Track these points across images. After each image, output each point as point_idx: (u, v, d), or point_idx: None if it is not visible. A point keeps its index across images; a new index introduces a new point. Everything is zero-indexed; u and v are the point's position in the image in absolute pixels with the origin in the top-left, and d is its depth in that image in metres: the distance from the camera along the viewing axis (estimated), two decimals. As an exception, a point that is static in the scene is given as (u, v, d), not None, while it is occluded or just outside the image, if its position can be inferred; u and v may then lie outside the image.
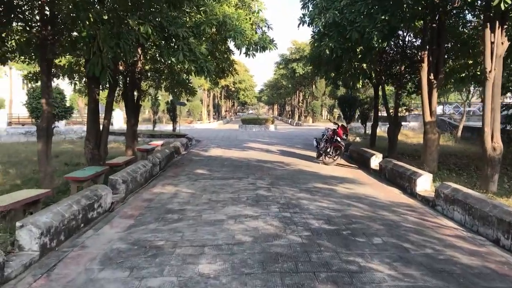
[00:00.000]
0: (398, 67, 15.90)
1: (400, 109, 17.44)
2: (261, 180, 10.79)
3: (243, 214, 7.27)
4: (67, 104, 28.85)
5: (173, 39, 10.20)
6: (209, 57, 11.11)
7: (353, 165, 14.09)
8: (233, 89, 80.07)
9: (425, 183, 9.41)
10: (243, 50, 11.81)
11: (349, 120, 26.06)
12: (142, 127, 38.92)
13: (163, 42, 10.47)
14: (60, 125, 31.56)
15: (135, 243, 5.71)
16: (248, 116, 49.56)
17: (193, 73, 15.76)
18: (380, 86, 17.23)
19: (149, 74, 17.70)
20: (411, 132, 29.78)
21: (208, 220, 6.87)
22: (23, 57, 12.55)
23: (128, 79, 14.74)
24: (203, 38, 10.98)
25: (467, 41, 14.09)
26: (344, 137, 14.10)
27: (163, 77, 17.18)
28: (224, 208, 7.73)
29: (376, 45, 11.03)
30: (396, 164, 11.07)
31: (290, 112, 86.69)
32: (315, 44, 12.28)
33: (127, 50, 8.08)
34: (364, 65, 13.61)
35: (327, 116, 61.08)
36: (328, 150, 14.19)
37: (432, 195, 8.61)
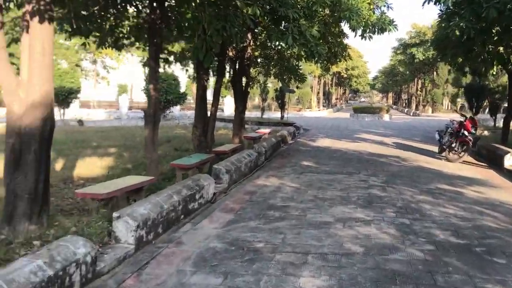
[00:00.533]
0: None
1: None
2: (374, 177, 9.86)
3: (353, 217, 6.50)
4: (182, 90, 30.09)
5: (283, 22, 9.64)
6: (321, 40, 10.37)
7: (482, 164, 12.42)
8: (345, 75, 77.96)
9: None
10: (359, 32, 10.86)
11: (476, 111, 23.49)
12: (250, 114, 39.39)
13: (272, 25, 9.96)
14: (175, 110, 33.08)
15: (233, 243, 5.29)
16: (360, 105, 47.73)
17: (303, 59, 15.20)
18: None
19: (258, 60, 17.46)
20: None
21: (313, 222, 6.24)
22: (138, 43, 12.99)
23: (237, 65, 14.57)
24: (315, 20, 10.25)
25: None
26: (472, 131, 12.47)
27: (272, 63, 16.79)
28: (332, 208, 7.03)
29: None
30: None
31: (406, 101, 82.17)
32: (442, 25, 10.87)
33: (233, 33, 7.69)
34: (501, 48, 11.80)
35: (448, 106, 56.59)
36: (453, 145, 12.66)
37: None
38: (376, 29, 10.91)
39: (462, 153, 12.48)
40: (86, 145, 16.13)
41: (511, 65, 15.16)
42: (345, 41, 15.62)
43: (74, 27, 8.79)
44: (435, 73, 54.18)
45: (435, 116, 45.98)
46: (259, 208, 6.99)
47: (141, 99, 39.55)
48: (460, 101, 50.92)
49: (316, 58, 9.81)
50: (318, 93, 61.65)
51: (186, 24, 7.87)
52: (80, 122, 27.97)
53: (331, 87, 77.29)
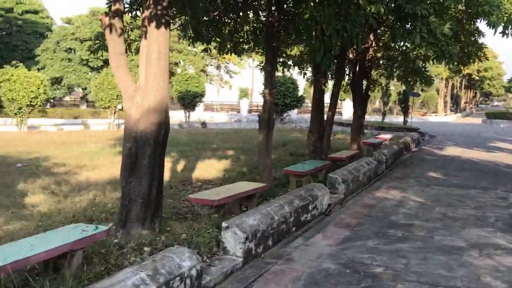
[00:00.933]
0: None
1: None
2: (516, 193, 8.54)
3: (492, 243, 5.54)
4: (299, 94, 29.96)
5: (409, 20, 8.78)
6: (452, 39, 9.27)
7: None
8: (476, 78, 71.52)
9: None
10: (499, 29, 9.49)
11: None
12: (370, 118, 37.85)
13: (397, 23, 9.16)
14: (292, 113, 33.07)
15: (348, 265, 4.74)
16: (494, 109, 43.22)
17: (430, 60, 13.94)
18: None
19: (380, 62, 16.48)
20: None
21: (441, 246, 5.41)
22: (257, 48, 12.99)
23: (357, 67, 13.84)
24: (446, 17, 9.19)
25: None
26: None
27: (395, 65, 15.70)
28: (464, 230, 6.10)
29: None
30: None
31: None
32: None
33: (354, 33, 7.11)
34: None
35: None
36: None
37: None
38: (521, 25, 9.44)
39: None
40: (206, 146, 16.66)
41: None
42: (480, 40, 14.00)
43: (195, 33, 8.92)
44: None
45: None
46: (378, 225, 6.33)
47: (261, 102, 40.37)
48: None
49: (447, 59, 8.75)
50: (445, 96, 57.37)
51: (304, 26, 7.47)
52: (203, 124, 29.23)
53: (460, 90, 71.47)
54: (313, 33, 6.69)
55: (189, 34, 9.92)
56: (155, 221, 5.30)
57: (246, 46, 11.59)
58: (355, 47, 13.57)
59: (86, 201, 7.89)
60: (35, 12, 46.61)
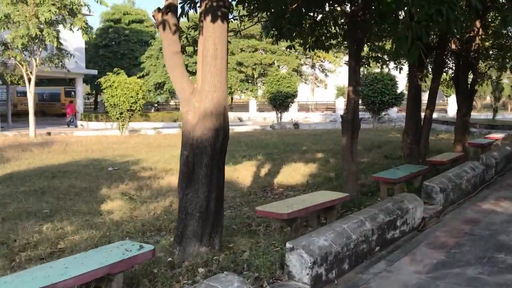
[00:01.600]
0: None
1: None
2: None
3: None
4: (398, 91, 28.08)
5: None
6: None
7: None
8: None
9: None
10: None
11: None
12: (480, 115, 34.45)
13: (509, 3, 7.74)
14: (391, 112, 31.18)
15: (439, 302, 3.81)
16: None
17: None
18: None
19: (490, 52, 14.59)
20: None
21: None
22: (345, 43, 12.04)
23: (461, 59, 12.28)
24: None
25: None
26: None
27: (508, 54, 13.76)
28: None
29: None
30: None
31: None
32: None
33: (452, 18, 6.00)
34: None
35: None
36: None
37: None
38: None
39: None
40: (295, 148, 16.06)
41: None
42: None
43: (276, 29, 8.33)
44: None
45: None
46: (483, 246, 5.19)
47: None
48: None
49: None
50: None
51: (387, 10, 6.49)
52: (296, 125, 28.62)
53: None
54: (398, 19, 5.71)
55: (272, 32, 9.37)
56: (214, 237, 4.77)
57: (334, 42, 10.74)
58: (458, 36, 12.10)
59: (161, 208, 7.69)
60: (140, 21, 49.39)
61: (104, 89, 23.09)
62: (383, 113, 27.40)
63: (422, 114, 10.52)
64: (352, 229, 4.88)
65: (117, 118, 23.39)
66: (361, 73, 28.61)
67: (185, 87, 4.72)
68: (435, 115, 35.32)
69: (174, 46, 4.72)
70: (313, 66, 47.68)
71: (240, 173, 11.04)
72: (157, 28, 4.67)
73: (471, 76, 13.03)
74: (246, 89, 41.69)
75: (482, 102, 39.72)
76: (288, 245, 4.29)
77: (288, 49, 11.44)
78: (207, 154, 4.61)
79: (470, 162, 9.32)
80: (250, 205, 7.86)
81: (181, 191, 4.76)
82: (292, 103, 30.04)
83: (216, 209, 4.78)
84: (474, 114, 36.58)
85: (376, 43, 11.83)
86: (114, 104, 22.84)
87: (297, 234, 5.41)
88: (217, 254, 4.67)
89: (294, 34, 9.01)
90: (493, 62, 15.14)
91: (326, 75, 48.82)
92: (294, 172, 11.00)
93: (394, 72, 24.89)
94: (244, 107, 44.52)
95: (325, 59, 44.82)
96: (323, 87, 50.04)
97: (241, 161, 12.89)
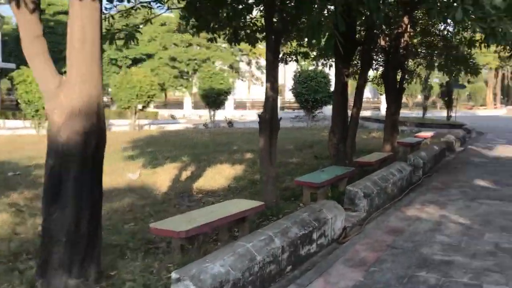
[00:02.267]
0: None
1: None
2: None
3: None
4: (332, 88, 28.12)
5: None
6: (505, 14, 7.43)
7: None
8: (530, 67, 66.99)
9: None
10: None
11: None
12: (411, 114, 35.51)
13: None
14: (326, 110, 31.25)
15: None
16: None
17: (478, 45, 12.10)
18: None
19: (419, 50, 14.61)
20: None
21: (495, 303, 3.77)
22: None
23: (389, 56, 12.08)
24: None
25: None
26: None
27: (436, 52, 13.79)
28: (528, 273, 4.40)
29: None
30: None
31: None
32: None
33: (373, 8, 5.49)
34: None
35: None
36: None
37: None
38: None
39: None
40: (226, 148, 15.39)
41: None
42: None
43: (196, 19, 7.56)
44: None
45: None
46: (404, 262, 4.69)
47: (293, 98, 38.75)
48: None
49: (500, 40, 6.95)
50: (495, 88, 53.72)
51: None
52: (230, 123, 27.91)
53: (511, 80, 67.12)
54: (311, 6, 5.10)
55: (192, 23, 8.56)
56: (88, 266, 3.91)
57: (260, 35, 10.10)
58: (386, 31, 11.88)
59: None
60: (66, 12, 46.65)
61: (17, 84, 21.23)
62: (317, 111, 27.30)
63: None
64: (258, 249, 4.19)
65: (33, 116, 21.61)
66: (296, 70, 28.46)
67: (49, 79, 3.82)
68: (368, 113, 35.99)
69: (34, 29, 3.80)
70: (249, 63, 47.19)
71: (159, 177, 10.17)
72: (10, 4, 3.72)
73: (400, 74, 12.92)
74: (180, 85, 40.46)
75: (413, 100, 41.09)
76: (173, 275, 3.51)
77: (209, 42, 10.63)
78: (75, 163, 3.75)
79: (397, 163, 9.01)
80: (159, 216, 7.02)
81: (45, 210, 3.86)
82: (225, 100, 29.28)
83: (90, 231, 3.92)
84: (406, 112, 37.71)
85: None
86: (29, 101, 21.05)
87: (199, 254, 4.67)
88: (91, 287, 3.82)
89: (212, 25, 8.28)
90: (422, 60, 15.19)
91: (262, 72, 48.50)
92: (218, 175, 10.29)
93: (327, 70, 24.92)
94: (180, 105, 43.29)
95: (260, 55, 44.46)
96: (259, 85, 49.72)
97: (163, 163, 11.99)
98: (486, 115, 40.00)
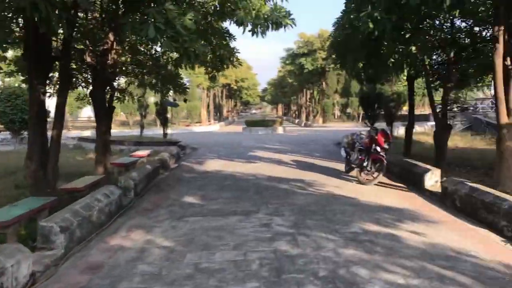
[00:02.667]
0: (448, 52, 12.60)
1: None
2: (279, 216, 7.47)
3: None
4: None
5: (141, 7, 6.95)
6: (197, 36, 7.84)
7: (398, 185, 10.74)
8: (235, 87, 76.95)
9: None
10: (248, 27, 8.54)
11: (373, 121, 22.72)
12: (131, 132, 35.71)
13: (128, 11, 7.23)
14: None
15: None
16: (253, 118, 46.24)
17: (184, 66, 12.72)
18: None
19: (129, 67, 14.49)
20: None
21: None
22: None
23: (96, 74, 11.51)
24: (186, 6, 7.70)
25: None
26: (386, 146, 10.76)
27: (144, 70, 13.92)
28: (223, 291, 4.43)
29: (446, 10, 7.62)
30: (476, 189, 7.76)
31: (296, 112, 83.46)
32: (351, 17, 8.94)
33: (44, 15, 4.83)
34: (413, 48, 10.26)
35: (338, 115, 57.74)
36: (365, 164, 10.86)
37: None
38: (270, 24, 8.68)
39: (376, 173, 10.72)
40: None
41: (413, 70, 14.05)
42: (232, 44, 13.36)
43: None
44: (324, 83, 54.81)
45: (326, 126, 46.10)
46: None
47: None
48: (351, 110, 51.93)
49: (193, 59, 7.24)
50: (208, 106, 59.41)
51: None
52: None
53: (222, 99, 75.64)
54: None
55: None
56: None
57: None
58: (91, 48, 11.29)
59: None
60: None
61: None
62: (25, 133, 24.45)
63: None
64: None
65: None
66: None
67: None
68: (88, 133, 34.46)
69: None
70: None
71: None
72: None
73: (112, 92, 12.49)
74: None
75: (133, 119, 41.44)
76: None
77: None
78: None
79: (105, 187, 8.46)
80: None
81: None
82: None
83: None
84: (126, 131, 37.77)
85: None
86: None
87: None
88: None
89: None
90: (133, 79, 15.13)
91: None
92: None
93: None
94: None
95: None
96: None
97: None
98: (201, 131, 43.58)
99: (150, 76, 14.22)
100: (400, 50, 10.23)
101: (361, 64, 14.03)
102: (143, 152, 16.54)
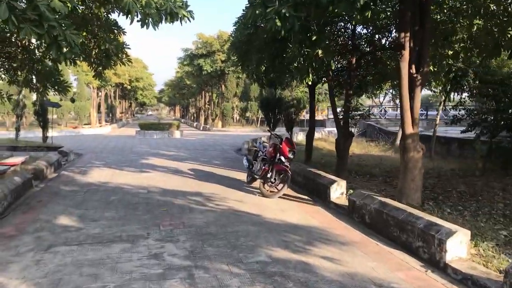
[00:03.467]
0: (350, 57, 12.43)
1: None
2: (173, 242, 6.37)
3: None
4: None
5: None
6: (73, 24, 6.49)
7: (303, 197, 10.17)
8: (129, 87, 73.64)
9: (458, 247, 5.73)
10: (138, 16, 7.36)
11: (273, 126, 22.37)
12: (7, 134, 32.12)
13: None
14: None
15: None
16: (147, 120, 44.10)
17: (68, 62, 11.14)
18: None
19: (-4, 61, 12.45)
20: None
21: None
22: None
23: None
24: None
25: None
26: (290, 155, 10.13)
27: (14, 65, 12.00)
28: None
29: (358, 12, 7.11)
30: (386, 204, 7.32)
31: (194, 115, 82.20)
32: (256, 12, 8.14)
33: None
34: (320, 51, 9.77)
35: (237, 119, 57.52)
36: (269, 175, 10.13)
37: (484, 274, 4.97)
38: (164, 14, 7.57)
39: (281, 184, 10.05)
40: None
41: (315, 75, 13.73)
42: (122, 38, 11.99)
43: None
44: (223, 86, 54.24)
45: (227, 131, 45.52)
46: None
47: None
48: (250, 114, 51.92)
49: (66, 51, 5.90)
50: (99, 106, 55.92)
51: None
52: None
53: (115, 100, 71.92)
54: None
55: None
56: None
57: None
58: None
59: None
60: None
61: None
62: None
63: None
64: None
65: None
66: None
67: None
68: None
69: None
70: None
71: None
72: None
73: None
74: None
75: (11, 119, 37.32)
76: None
77: None
78: None
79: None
80: None
81: None
82: None
83: None
84: (2, 133, 33.85)
85: None
86: None
87: None
88: None
89: None
90: (2, 74, 13.06)
91: None
92: None
93: None
94: None
95: None
96: None
97: None
98: (91, 134, 40.65)
99: (22, 71, 12.29)
100: (306, 53, 9.68)
101: (263, 67, 13.40)
102: (15, 160, 14.35)
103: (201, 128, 53.55)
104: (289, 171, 9.91)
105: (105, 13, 10.86)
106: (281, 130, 26.17)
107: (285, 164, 10.04)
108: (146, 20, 7.37)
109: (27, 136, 32.33)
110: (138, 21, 7.35)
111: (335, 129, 33.76)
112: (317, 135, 28.53)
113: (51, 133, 22.09)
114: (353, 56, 12.51)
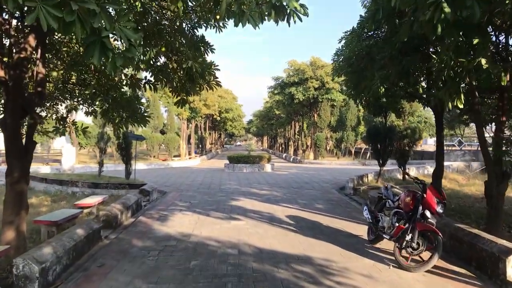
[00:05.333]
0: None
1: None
2: None
3: None
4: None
5: None
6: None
7: (457, 270, 7.20)
8: (219, 119, 73.71)
9: None
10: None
11: (383, 161, 19.32)
12: (89, 168, 31.87)
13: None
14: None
15: None
16: (236, 152, 42.51)
17: (147, 86, 9.40)
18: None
19: (69, 87, 11.01)
20: (459, 176, 22.98)
21: None
22: None
23: (8, 93, 8.00)
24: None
25: None
26: (439, 209, 7.26)
27: (87, 92, 10.41)
28: None
29: None
30: None
31: (283, 145, 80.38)
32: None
33: None
34: (484, 61, 6.87)
35: (331, 150, 54.44)
36: (408, 237, 7.29)
37: None
38: (267, 8, 5.26)
39: (427, 252, 7.18)
40: None
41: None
42: (209, 57, 9.95)
43: None
44: (315, 115, 51.68)
45: (319, 163, 42.70)
46: None
47: None
48: (347, 145, 48.71)
49: (114, 56, 3.77)
50: (190, 138, 55.77)
51: None
52: None
53: (205, 131, 72.14)
54: None
55: None
56: None
57: None
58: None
59: None
60: None
61: None
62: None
63: None
64: None
65: None
66: None
67: None
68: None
69: None
70: None
71: None
72: None
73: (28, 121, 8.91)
74: None
75: (90, 153, 37.38)
76: None
77: None
78: None
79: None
80: None
81: None
82: None
83: None
84: (93, 167, 33.91)
85: None
86: None
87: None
88: None
89: None
90: (79, 101, 11.62)
91: None
92: None
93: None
94: None
95: None
96: None
97: None
98: (179, 166, 39.86)
99: (96, 99, 10.70)
100: (458, 63, 6.90)
101: (382, 88, 10.71)
102: (93, 200, 12.80)
103: (291, 160, 51.13)
104: (439, 234, 7.01)
105: (189, 25, 8.94)
106: (392, 163, 22.91)
107: (430, 221, 7.19)
108: (240, 17, 5.08)
109: (116, 169, 31.93)
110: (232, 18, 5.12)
111: (452, 163, 29.57)
112: (430, 169, 24.96)
113: (135, 166, 20.80)
114: (507, 72, 9.43)
